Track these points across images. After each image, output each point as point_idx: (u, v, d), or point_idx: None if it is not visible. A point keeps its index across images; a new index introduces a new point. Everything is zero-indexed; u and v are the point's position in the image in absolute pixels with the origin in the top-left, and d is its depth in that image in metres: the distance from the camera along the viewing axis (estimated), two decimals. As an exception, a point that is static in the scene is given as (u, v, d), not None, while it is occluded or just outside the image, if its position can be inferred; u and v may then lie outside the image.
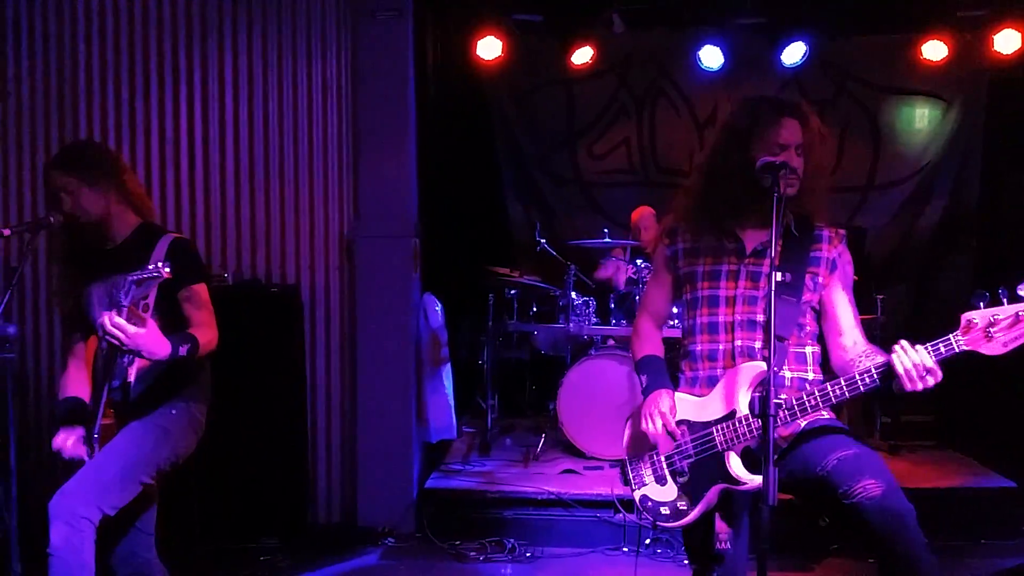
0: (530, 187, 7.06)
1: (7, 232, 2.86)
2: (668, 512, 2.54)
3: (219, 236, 4.76)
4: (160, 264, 2.58)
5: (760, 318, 2.53)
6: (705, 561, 2.59)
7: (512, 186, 7.06)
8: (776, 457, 2.20)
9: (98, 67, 4.75)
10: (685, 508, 2.51)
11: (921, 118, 6.75)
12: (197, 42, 4.74)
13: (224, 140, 4.76)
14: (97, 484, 2.70)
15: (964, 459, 5.27)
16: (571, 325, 5.47)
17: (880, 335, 5.05)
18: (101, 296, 2.89)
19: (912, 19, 6.06)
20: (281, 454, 4.49)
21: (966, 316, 2.22)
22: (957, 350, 2.22)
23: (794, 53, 6.07)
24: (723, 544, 2.54)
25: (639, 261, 5.72)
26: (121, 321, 2.53)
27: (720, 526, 2.55)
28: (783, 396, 2.41)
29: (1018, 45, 5.70)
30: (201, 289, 2.91)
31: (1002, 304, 2.20)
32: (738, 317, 2.56)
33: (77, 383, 2.99)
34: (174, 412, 2.89)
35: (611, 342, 5.64)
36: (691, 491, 2.51)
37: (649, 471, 2.60)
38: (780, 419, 2.35)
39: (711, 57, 6.18)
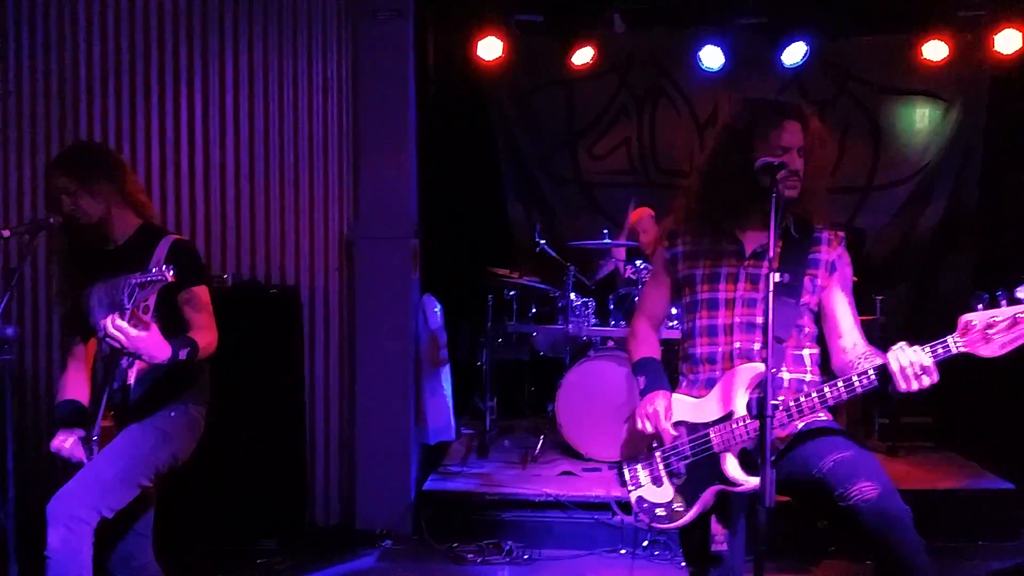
0: (530, 187, 7.06)
1: (6, 233, 2.86)
2: (664, 513, 2.54)
3: (219, 237, 4.75)
4: (164, 268, 2.58)
5: (759, 320, 2.53)
6: (701, 562, 2.59)
7: (512, 186, 7.06)
8: (773, 458, 2.20)
9: (99, 67, 4.75)
10: (681, 509, 2.51)
11: (921, 118, 6.75)
12: (197, 42, 4.73)
13: (224, 140, 4.76)
14: (95, 486, 2.71)
15: (962, 461, 5.27)
16: (570, 326, 5.47)
17: (880, 336, 5.05)
18: (101, 297, 2.90)
19: (912, 19, 6.06)
20: (280, 455, 4.49)
21: (964, 318, 2.23)
22: (955, 352, 2.23)
23: (795, 53, 6.06)
24: (719, 545, 2.55)
25: (638, 262, 5.72)
26: (123, 324, 2.54)
27: (716, 527, 2.55)
28: (781, 397, 2.42)
29: (1018, 45, 5.70)
30: (202, 291, 2.91)
31: (1000, 306, 2.20)
32: (737, 319, 2.56)
33: (76, 385, 3.00)
34: (173, 414, 2.89)
35: (610, 343, 5.63)
36: (687, 492, 2.51)
37: (646, 472, 2.61)
38: (777, 420, 2.36)
39: (712, 57, 6.18)
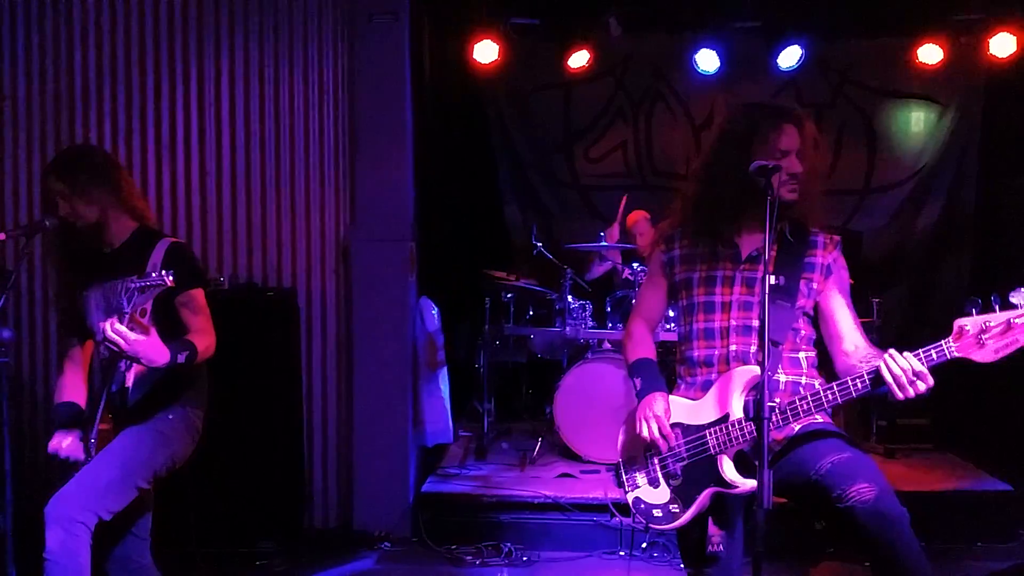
0: (527, 190, 7.07)
1: (2, 236, 2.86)
2: (661, 514, 2.55)
3: (215, 240, 4.76)
4: (164, 272, 2.58)
5: (755, 323, 2.54)
6: (699, 563, 2.60)
7: (509, 189, 7.07)
8: (769, 460, 2.21)
9: (94, 71, 4.76)
10: (678, 511, 2.52)
11: (917, 121, 6.77)
12: (194, 46, 4.74)
13: (221, 144, 4.77)
14: (93, 488, 2.71)
15: (960, 462, 5.28)
16: (567, 329, 5.47)
17: (877, 338, 5.06)
18: (99, 300, 2.90)
19: (908, 23, 6.07)
20: (278, 457, 4.49)
21: (958, 322, 2.23)
22: (949, 356, 2.24)
23: (790, 57, 6.08)
24: (716, 546, 2.56)
25: (635, 265, 5.73)
26: (122, 328, 2.54)
27: (712, 528, 2.56)
28: (777, 400, 2.43)
29: (1013, 48, 5.71)
30: (198, 294, 2.91)
31: (994, 311, 2.21)
32: (733, 323, 2.57)
33: (73, 388, 3.00)
34: (171, 417, 2.90)
35: (607, 345, 5.64)
36: (684, 494, 2.52)
37: (642, 474, 2.61)
38: (773, 423, 2.37)
39: (707, 61, 6.19)
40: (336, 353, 4.76)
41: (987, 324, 2.20)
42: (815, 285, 2.59)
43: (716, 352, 2.59)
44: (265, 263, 4.76)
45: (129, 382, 2.79)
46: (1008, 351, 2.19)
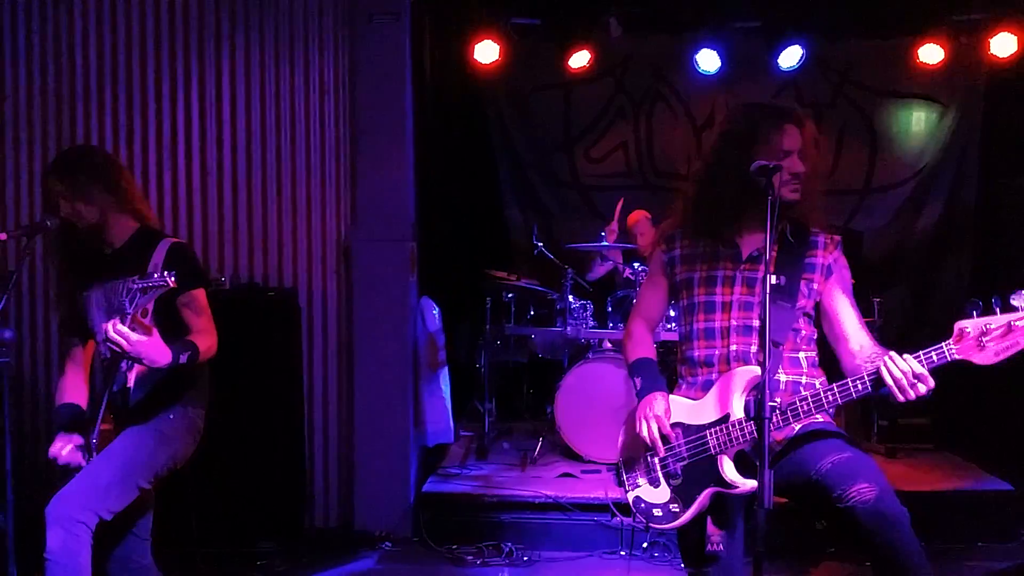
0: (527, 190, 7.07)
1: (3, 236, 2.86)
2: (661, 514, 2.55)
3: (216, 240, 4.76)
4: (167, 273, 2.59)
5: (756, 323, 2.54)
6: (699, 562, 2.60)
7: (509, 189, 7.07)
8: (770, 460, 2.21)
9: (95, 71, 4.76)
10: (678, 511, 2.52)
11: (918, 121, 6.78)
12: (195, 46, 4.74)
13: (222, 144, 4.77)
14: (94, 488, 2.71)
15: (961, 462, 5.28)
16: (568, 329, 5.47)
17: (878, 338, 5.04)
18: (100, 300, 2.90)
19: (909, 23, 6.08)
20: (279, 457, 4.49)
21: (959, 325, 2.23)
22: (949, 359, 2.24)
23: (791, 57, 6.08)
24: (715, 546, 2.56)
25: (636, 264, 5.73)
26: (124, 329, 2.55)
27: (711, 528, 2.56)
28: (777, 399, 2.43)
29: (1014, 48, 5.72)
30: (200, 295, 2.91)
31: (995, 313, 2.21)
32: (734, 323, 2.57)
33: (74, 389, 3.00)
34: (172, 417, 2.90)
35: (608, 345, 5.64)
36: (684, 494, 2.52)
37: (643, 473, 2.62)
38: (774, 423, 2.37)
39: (708, 61, 6.19)
40: (337, 353, 4.76)
41: (988, 327, 2.20)
42: (815, 285, 2.59)
43: (716, 352, 2.59)
44: (266, 263, 4.76)
45: (131, 382, 2.79)
46: (1009, 353, 2.19)
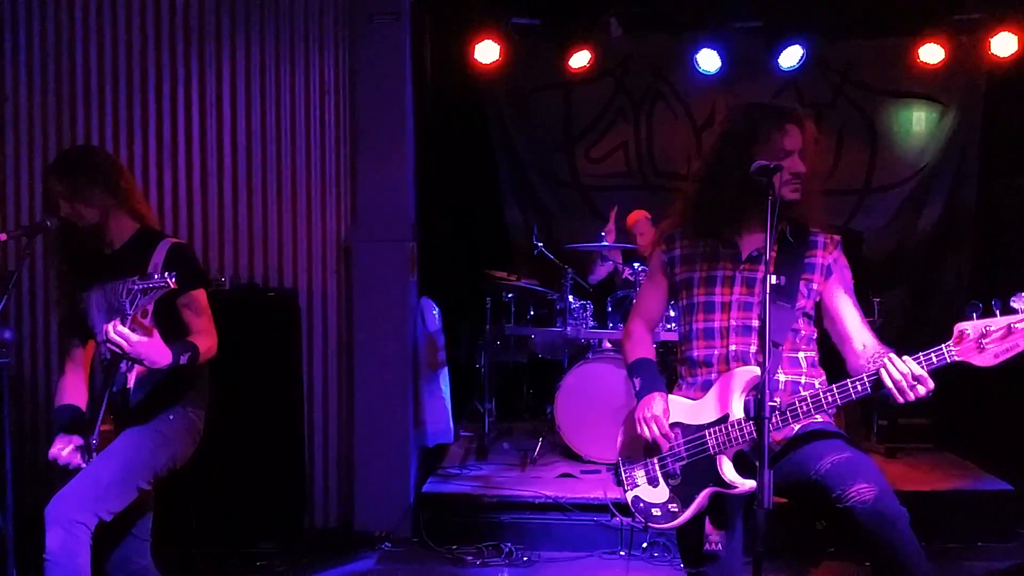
0: (527, 190, 7.07)
1: (3, 236, 2.86)
2: (659, 514, 2.55)
3: (216, 240, 4.76)
4: (168, 274, 2.59)
5: (755, 323, 2.55)
6: (698, 562, 2.60)
7: (509, 189, 7.07)
8: (769, 460, 2.21)
9: (96, 71, 4.76)
10: (676, 510, 2.52)
11: (918, 121, 6.77)
12: (195, 47, 4.74)
13: (222, 144, 4.77)
14: (94, 489, 2.71)
15: (961, 462, 5.28)
16: (568, 329, 5.47)
17: (878, 338, 5.05)
18: (100, 301, 2.90)
19: (909, 22, 6.07)
20: (278, 458, 4.49)
21: (959, 327, 2.23)
22: (949, 360, 2.24)
23: (791, 56, 6.09)
24: (714, 545, 2.56)
25: (636, 264, 5.73)
26: (125, 330, 2.55)
27: (709, 527, 2.56)
28: (777, 399, 2.43)
29: (1015, 48, 5.71)
30: (200, 295, 2.91)
31: (995, 315, 2.21)
32: (733, 323, 2.57)
33: (74, 389, 3.00)
34: (172, 417, 2.90)
35: (608, 345, 5.64)
36: (682, 493, 2.52)
37: (642, 473, 2.62)
38: (773, 423, 2.37)
39: (708, 61, 6.20)
40: (337, 353, 4.76)
41: (988, 329, 2.20)
42: (815, 285, 2.59)
43: (716, 352, 2.59)
44: (266, 263, 4.76)
45: (131, 383, 2.79)
46: (1008, 355, 2.19)
